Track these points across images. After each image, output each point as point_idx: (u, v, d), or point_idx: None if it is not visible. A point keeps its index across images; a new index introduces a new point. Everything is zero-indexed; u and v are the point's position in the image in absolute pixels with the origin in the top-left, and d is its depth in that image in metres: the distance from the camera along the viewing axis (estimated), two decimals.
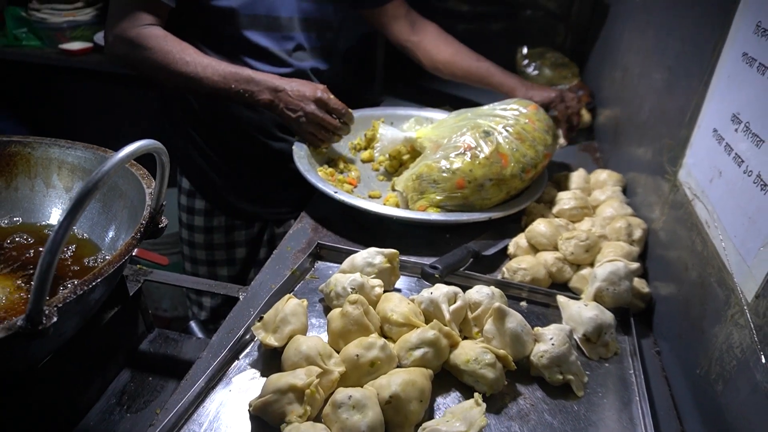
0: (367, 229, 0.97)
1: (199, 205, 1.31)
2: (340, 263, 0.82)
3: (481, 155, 0.93)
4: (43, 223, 0.81)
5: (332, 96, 1.06)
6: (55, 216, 0.82)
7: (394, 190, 1.06)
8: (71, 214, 0.45)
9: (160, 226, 0.63)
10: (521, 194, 1.00)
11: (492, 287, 0.73)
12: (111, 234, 0.77)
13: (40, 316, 0.46)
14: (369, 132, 1.22)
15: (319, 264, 0.87)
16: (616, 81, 1.36)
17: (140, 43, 1.03)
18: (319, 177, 1.00)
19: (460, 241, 0.91)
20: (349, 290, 0.71)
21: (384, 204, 1.01)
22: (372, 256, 0.79)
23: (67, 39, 1.97)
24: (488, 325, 0.67)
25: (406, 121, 1.22)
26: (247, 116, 1.22)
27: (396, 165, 1.17)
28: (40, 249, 0.76)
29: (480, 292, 0.72)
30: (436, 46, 1.40)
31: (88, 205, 0.47)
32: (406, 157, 1.16)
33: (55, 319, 0.46)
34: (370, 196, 1.08)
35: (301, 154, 1.06)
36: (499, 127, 0.98)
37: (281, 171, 1.27)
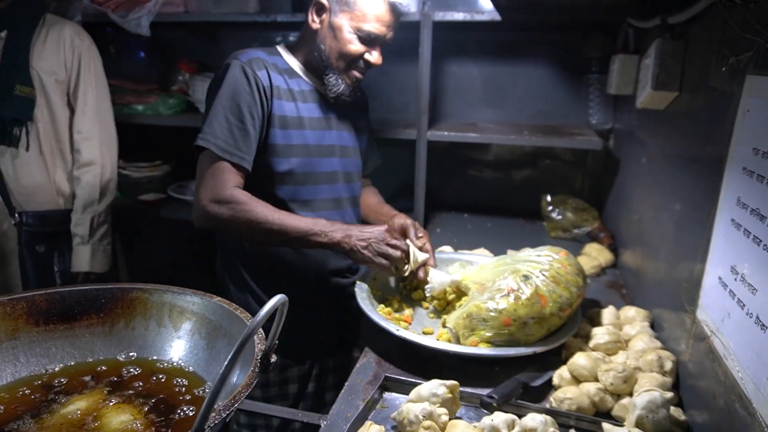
0: (425, 362, 1.09)
1: None
2: (405, 393, 0.94)
3: (523, 296, 1.08)
4: (153, 358, 0.95)
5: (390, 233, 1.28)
6: (164, 351, 0.96)
7: (445, 326, 1.20)
8: (234, 358, 0.59)
9: (271, 361, 0.77)
10: (560, 330, 1.13)
11: (544, 415, 0.84)
12: (215, 368, 0.90)
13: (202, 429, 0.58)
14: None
15: (387, 395, 0.99)
16: (633, 224, 1.54)
17: (235, 200, 1.24)
18: (381, 315, 1.15)
19: (507, 372, 1.02)
20: (420, 417, 0.82)
21: (437, 340, 1.15)
22: (435, 387, 0.90)
23: (145, 191, 2.28)
24: None
25: (449, 264, 1.39)
26: (298, 260, 1.42)
27: (443, 304, 1.31)
28: (153, 379, 0.89)
29: (534, 420, 0.82)
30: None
31: (242, 351, 0.61)
32: (452, 296, 1.31)
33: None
34: (424, 332, 1.22)
35: (363, 295, 1.22)
36: (536, 272, 1.14)
37: (331, 311, 1.44)
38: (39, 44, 1.79)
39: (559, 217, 1.85)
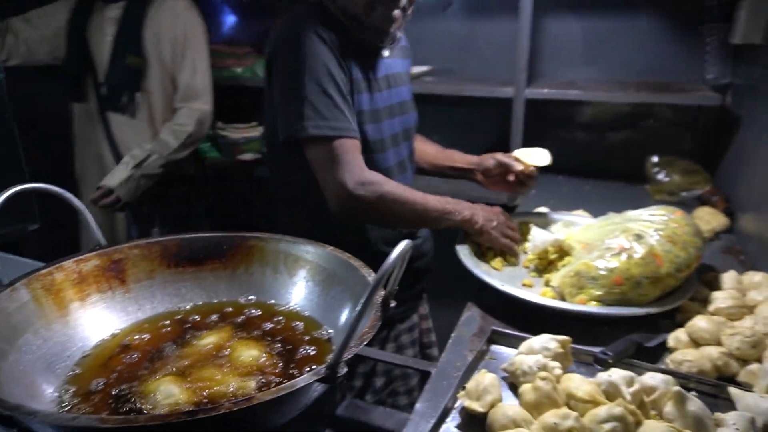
0: (528, 318, 1.09)
1: None
2: (512, 347, 0.95)
3: (636, 255, 1.04)
4: (271, 301, 1.01)
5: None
6: (280, 295, 1.01)
7: (548, 285, 1.18)
8: (368, 299, 0.61)
9: (390, 306, 0.78)
10: (674, 292, 1.08)
11: (664, 375, 0.81)
12: (330, 313, 0.94)
13: (337, 366, 0.62)
14: (521, 233, 1.37)
15: (494, 347, 1.00)
16: (756, 187, 1.42)
17: (376, 181, 1.16)
18: (485, 271, 1.15)
19: (615, 332, 0.99)
20: (535, 369, 0.82)
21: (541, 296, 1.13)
22: (547, 341, 0.90)
23: (242, 151, 2.38)
24: (669, 408, 0.74)
25: (550, 224, 1.37)
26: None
27: (545, 263, 1.29)
28: (273, 321, 0.95)
29: (654, 378, 0.80)
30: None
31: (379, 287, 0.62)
32: (554, 256, 1.28)
33: (345, 370, 0.62)
34: (524, 285, 1.21)
35: (465, 253, 1.23)
36: (650, 231, 1.09)
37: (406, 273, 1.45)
38: (152, 16, 1.86)
39: (666, 179, 1.75)
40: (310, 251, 1.00)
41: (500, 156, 1.39)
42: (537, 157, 1.38)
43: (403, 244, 0.65)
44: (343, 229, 1.23)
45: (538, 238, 1.26)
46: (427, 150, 1.57)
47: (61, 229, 1.88)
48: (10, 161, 1.76)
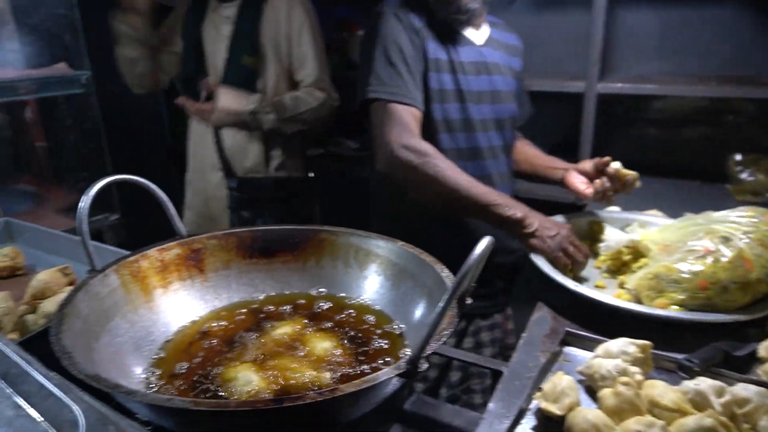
0: (602, 320, 1.05)
1: None
2: (587, 349, 0.92)
3: (723, 259, 0.98)
4: (341, 294, 1.02)
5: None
6: (351, 289, 1.02)
7: (623, 287, 1.14)
8: (452, 296, 0.60)
9: (467, 302, 0.78)
10: (765, 299, 1.01)
11: (758, 387, 0.76)
12: (402, 308, 0.94)
13: (418, 362, 0.62)
14: (593, 232, 1.33)
15: (567, 349, 0.97)
16: None
17: (424, 151, 1.21)
18: (557, 271, 1.12)
19: (698, 339, 0.94)
20: (614, 373, 0.79)
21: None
22: (625, 345, 0.86)
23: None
24: (765, 422, 0.70)
25: (625, 224, 1.31)
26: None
27: (618, 264, 1.24)
28: (344, 314, 0.96)
29: (747, 389, 0.75)
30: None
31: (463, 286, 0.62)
32: (627, 257, 1.23)
33: (426, 366, 0.62)
34: (596, 286, 1.16)
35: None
36: (738, 233, 1.03)
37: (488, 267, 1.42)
38: (267, 13, 1.81)
39: (750, 178, 1.65)
40: (381, 246, 1.00)
41: (597, 160, 1.36)
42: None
43: (485, 242, 0.64)
44: (437, 232, 1.27)
45: (612, 238, 1.22)
46: (527, 151, 1.59)
47: (139, 220, 1.97)
48: (95, 155, 1.86)
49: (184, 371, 0.80)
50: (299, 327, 0.90)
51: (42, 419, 0.52)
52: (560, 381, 0.77)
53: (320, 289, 1.03)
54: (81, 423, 0.50)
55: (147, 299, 0.90)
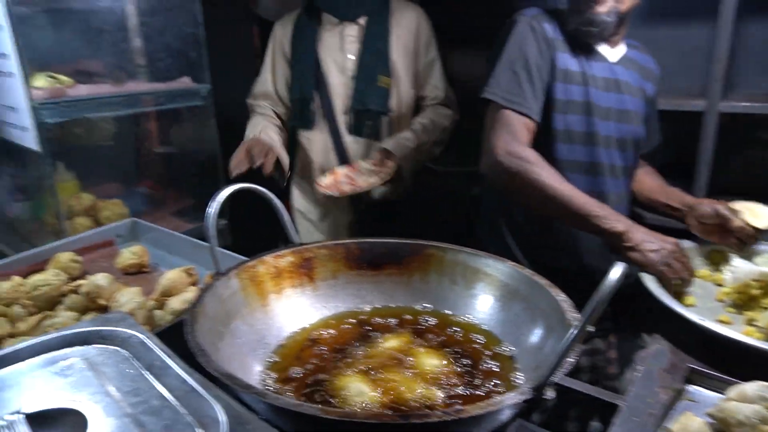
0: (727, 358, 0.96)
1: None
2: (713, 389, 0.85)
3: None
4: (447, 311, 1.01)
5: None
6: (457, 306, 1.01)
7: (751, 324, 1.04)
8: (585, 323, 0.58)
9: (588, 329, 0.74)
10: None
11: None
12: (512, 330, 0.92)
13: (543, 389, 0.60)
14: (715, 260, 1.23)
15: (690, 387, 0.90)
16: None
17: (526, 158, 1.21)
18: (678, 303, 1.04)
19: None
20: (755, 420, 0.72)
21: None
22: (764, 389, 0.78)
23: None
24: None
25: (756, 255, 1.21)
26: (569, 233, 1.36)
27: (745, 299, 1.14)
28: (449, 331, 0.94)
29: None
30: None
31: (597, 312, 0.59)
32: (757, 291, 1.12)
33: (553, 395, 0.60)
34: (720, 321, 1.08)
35: (650, 278, 1.13)
36: None
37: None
38: (394, 30, 1.72)
39: None
40: (490, 265, 0.99)
41: (719, 206, 1.27)
42: (761, 215, 1.22)
43: (619, 269, 0.61)
44: (545, 250, 1.26)
45: (740, 269, 1.12)
46: (647, 181, 1.54)
47: (244, 224, 2.07)
48: (210, 162, 1.98)
49: (298, 376, 0.82)
50: (406, 341, 0.91)
51: (185, 412, 0.55)
52: (691, 422, 0.71)
53: (425, 305, 1.03)
54: (222, 421, 0.52)
55: (262, 303, 0.94)
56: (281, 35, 1.86)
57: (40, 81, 1.54)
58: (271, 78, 1.89)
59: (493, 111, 1.31)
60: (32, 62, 1.48)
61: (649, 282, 1.12)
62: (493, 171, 1.28)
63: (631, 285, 1.39)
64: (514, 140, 1.25)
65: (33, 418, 0.57)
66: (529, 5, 1.41)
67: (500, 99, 1.29)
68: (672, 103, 1.72)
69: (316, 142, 1.84)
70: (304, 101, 1.79)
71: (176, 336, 0.71)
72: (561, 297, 0.83)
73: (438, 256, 1.04)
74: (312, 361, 0.86)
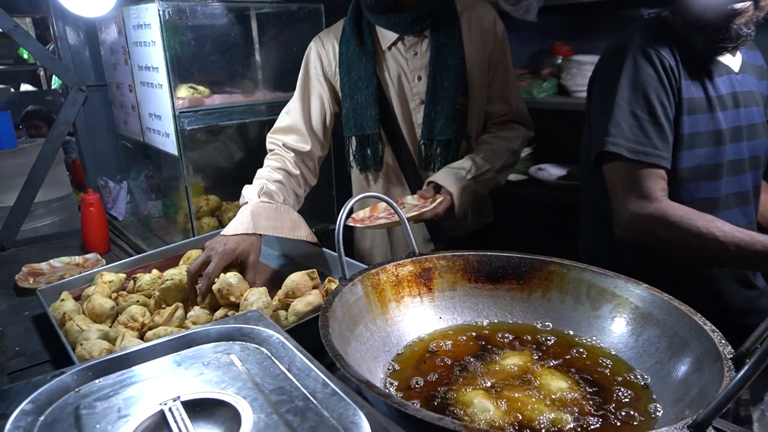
0: None
1: None
2: None
3: None
4: (569, 332, 0.96)
5: None
6: (580, 327, 0.96)
7: None
8: (764, 350, 0.53)
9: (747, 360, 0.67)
10: None
11: None
12: (642, 357, 0.86)
13: (705, 427, 0.55)
14: None
15: None
16: None
17: (661, 217, 1.13)
18: None
19: None
20: None
21: None
22: None
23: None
24: None
25: None
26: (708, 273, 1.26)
27: None
28: (573, 353, 0.90)
29: None
30: None
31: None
32: None
33: None
34: None
35: None
36: None
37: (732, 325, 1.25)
38: (467, 43, 1.43)
39: None
40: (620, 285, 0.93)
41: None
42: None
43: None
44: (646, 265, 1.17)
45: None
46: (765, 198, 1.38)
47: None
48: (323, 170, 2.03)
49: (419, 387, 0.82)
50: (527, 360, 0.88)
51: (329, 416, 0.57)
52: None
53: (546, 323, 0.99)
54: (366, 428, 0.53)
55: (383, 311, 0.95)
56: (320, 56, 1.54)
57: (183, 91, 1.69)
58: (302, 108, 1.54)
59: (619, 166, 1.19)
60: (177, 75, 1.62)
61: None
62: (629, 236, 1.21)
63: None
64: (649, 202, 1.15)
65: (188, 405, 0.61)
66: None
67: (625, 151, 1.16)
68: None
69: (380, 182, 1.58)
70: (366, 138, 1.49)
71: (300, 337, 0.74)
72: (708, 326, 0.76)
73: (561, 273, 1.01)
74: (433, 372, 0.86)
